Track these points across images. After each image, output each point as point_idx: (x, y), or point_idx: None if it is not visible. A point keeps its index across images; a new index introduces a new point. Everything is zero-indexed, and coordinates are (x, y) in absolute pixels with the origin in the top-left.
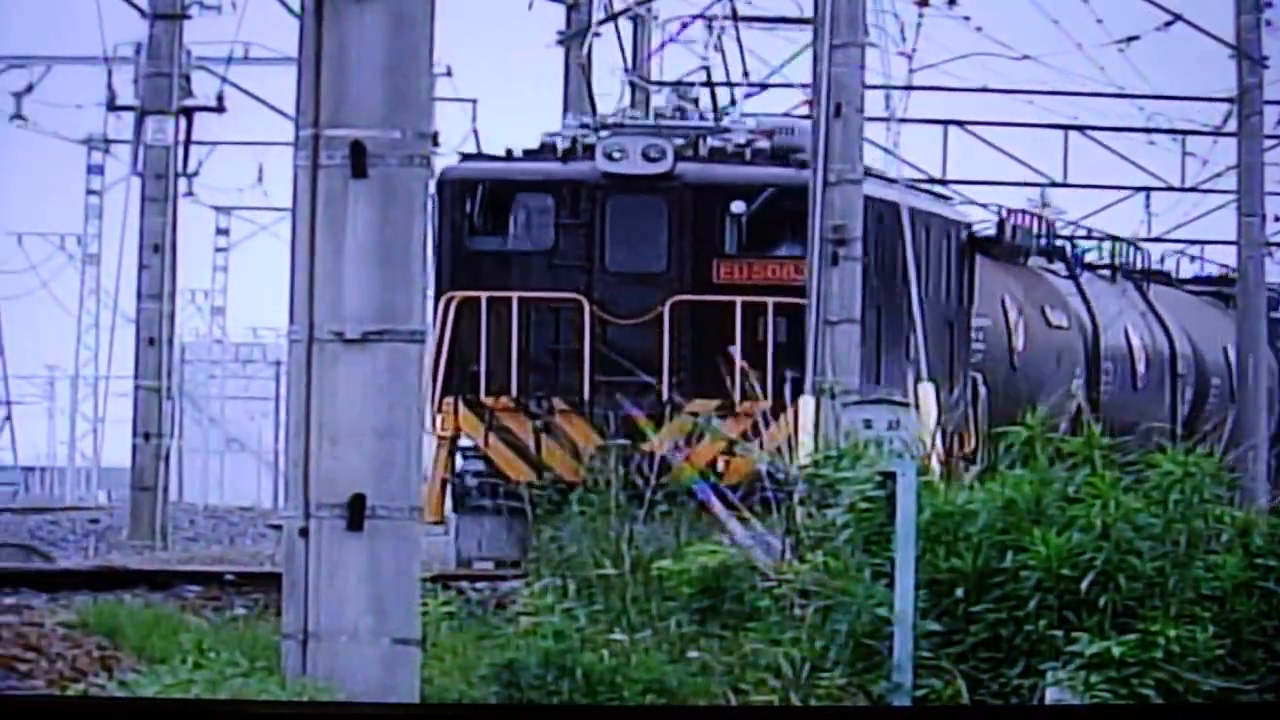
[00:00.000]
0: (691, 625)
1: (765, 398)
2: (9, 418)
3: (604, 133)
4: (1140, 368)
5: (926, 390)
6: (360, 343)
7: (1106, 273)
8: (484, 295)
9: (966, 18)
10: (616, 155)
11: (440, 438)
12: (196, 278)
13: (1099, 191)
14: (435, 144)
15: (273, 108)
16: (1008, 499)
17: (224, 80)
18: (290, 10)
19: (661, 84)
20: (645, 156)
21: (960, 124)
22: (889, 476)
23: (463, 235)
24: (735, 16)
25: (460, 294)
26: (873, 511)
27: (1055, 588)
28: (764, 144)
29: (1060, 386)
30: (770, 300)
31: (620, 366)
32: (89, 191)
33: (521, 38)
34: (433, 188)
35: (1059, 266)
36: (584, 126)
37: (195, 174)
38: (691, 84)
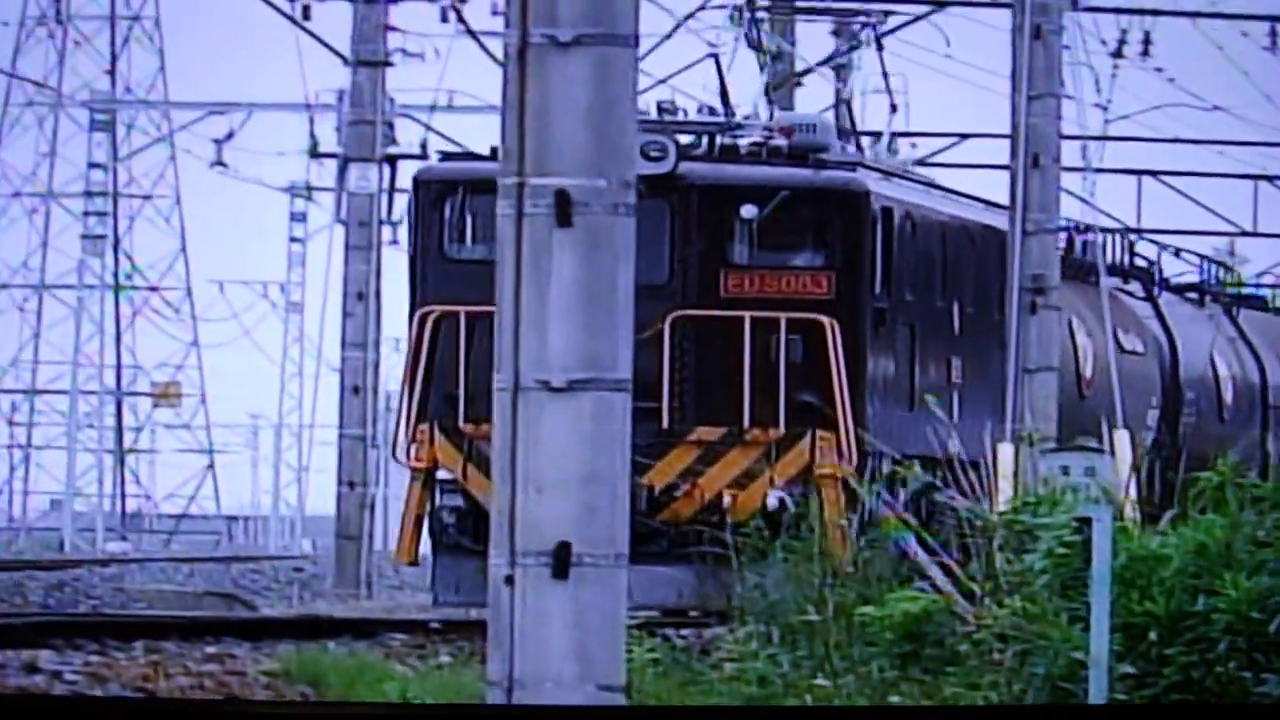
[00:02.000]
0: (893, 670)
1: (777, 425)
2: (212, 466)
3: None
4: (1227, 398)
5: (1122, 436)
6: (566, 391)
7: (1193, 295)
8: (463, 310)
9: (1159, 69)
10: None
11: (414, 470)
12: (401, 326)
13: None
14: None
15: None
16: (1199, 543)
17: (427, 128)
18: (493, 57)
19: (865, 133)
20: (645, 155)
21: (1153, 174)
22: (1085, 522)
23: (441, 243)
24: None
25: (437, 309)
26: (1069, 556)
27: (1245, 630)
28: (781, 142)
29: (1133, 416)
30: (783, 316)
31: None
32: (291, 239)
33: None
34: (409, 190)
35: (1136, 287)
36: None
37: (399, 221)
38: (896, 135)
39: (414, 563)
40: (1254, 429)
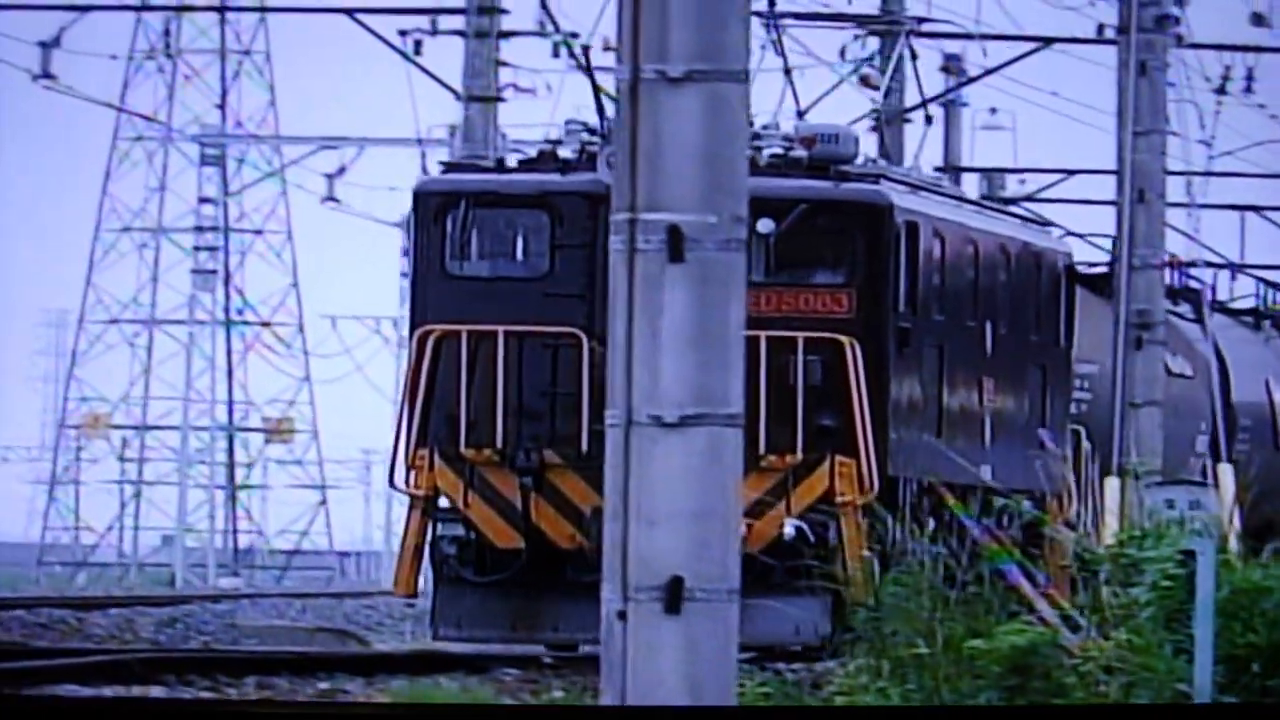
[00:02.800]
0: (1001, 702)
1: (794, 450)
2: (324, 501)
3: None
4: None
5: (1225, 470)
6: (678, 426)
7: (1249, 319)
8: (465, 329)
9: (1262, 105)
10: None
11: (413, 497)
12: None
13: None
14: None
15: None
16: None
17: None
18: (605, 93)
19: (974, 169)
20: None
21: (1257, 210)
22: (1189, 555)
23: (442, 259)
24: (774, 14)
25: (438, 328)
26: (1174, 589)
27: None
28: (801, 153)
29: (1180, 442)
30: (801, 336)
31: None
32: (403, 274)
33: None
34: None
35: (1186, 309)
36: (592, 133)
37: None
38: (999, 170)
39: (413, 595)
40: None
